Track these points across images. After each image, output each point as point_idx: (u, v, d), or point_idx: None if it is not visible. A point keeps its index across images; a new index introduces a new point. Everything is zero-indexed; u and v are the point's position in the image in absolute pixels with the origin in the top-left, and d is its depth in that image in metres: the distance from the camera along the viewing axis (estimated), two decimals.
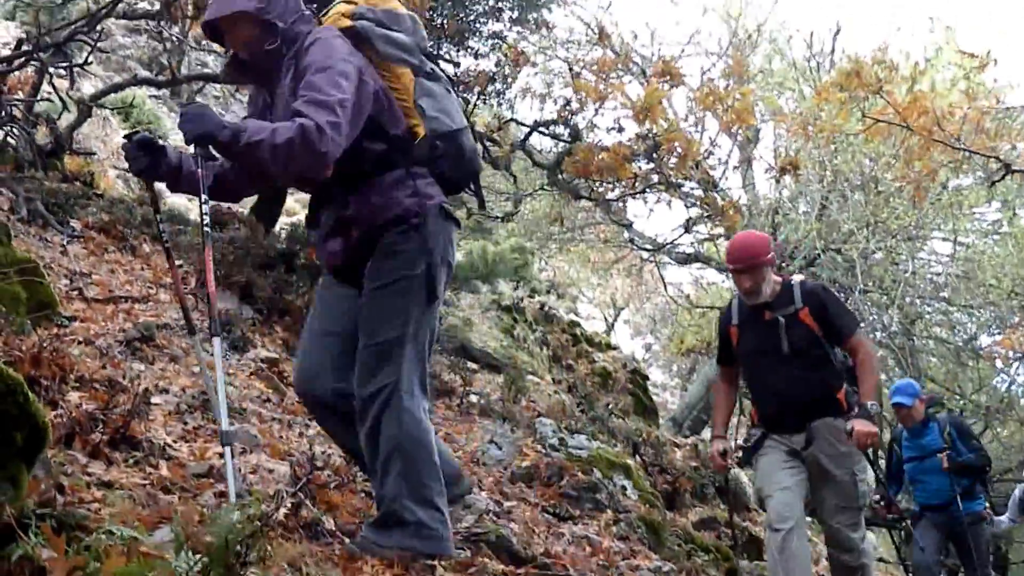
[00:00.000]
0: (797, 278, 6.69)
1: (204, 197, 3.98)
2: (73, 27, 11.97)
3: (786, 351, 6.26)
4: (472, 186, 4.58)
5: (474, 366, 11.66)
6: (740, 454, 7.44)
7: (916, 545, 9.53)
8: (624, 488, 8.35)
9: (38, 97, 12.16)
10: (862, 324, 19.82)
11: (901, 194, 16.81)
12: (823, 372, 6.29)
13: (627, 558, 6.39)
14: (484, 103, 12.94)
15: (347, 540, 3.89)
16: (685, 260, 21.30)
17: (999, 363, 20.69)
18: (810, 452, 6.28)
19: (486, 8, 12.49)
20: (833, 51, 20.52)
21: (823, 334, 6.29)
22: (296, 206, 21.19)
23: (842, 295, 18.36)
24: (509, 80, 13.30)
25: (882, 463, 10.89)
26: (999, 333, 20.09)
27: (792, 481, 6.32)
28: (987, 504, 9.99)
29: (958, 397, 19.39)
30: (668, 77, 13.33)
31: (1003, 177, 12.29)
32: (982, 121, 13.17)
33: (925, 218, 17.53)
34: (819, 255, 17.41)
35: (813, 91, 18.59)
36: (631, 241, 20.56)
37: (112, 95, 14.89)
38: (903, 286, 17.65)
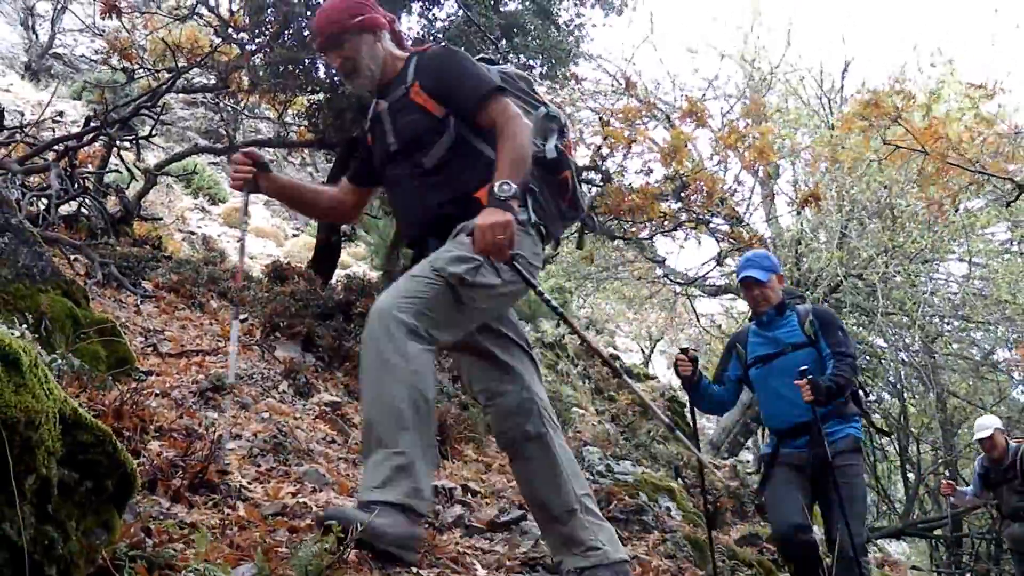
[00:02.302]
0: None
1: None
2: (136, 103, 12.17)
3: (394, 148, 4.15)
4: None
5: None
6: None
7: (771, 502, 6.50)
8: (669, 509, 8.33)
9: (107, 169, 12.36)
10: (884, 346, 19.77)
11: (916, 218, 16.74)
12: (457, 179, 4.00)
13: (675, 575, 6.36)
14: None
15: (414, 569, 3.90)
16: (716, 292, 21.28)
17: (1016, 375, 20.55)
18: None
19: (518, 67, 12.55)
20: (843, 87, 20.50)
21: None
22: (350, 259, 21.32)
23: (865, 318, 18.38)
24: None
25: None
26: (1016, 347, 19.94)
27: None
28: (865, 425, 7.00)
29: (980, 410, 19.21)
30: (694, 117, 13.36)
31: (1017, 198, 12.20)
32: (1000, 145, 13.14)
33: (940, 240, 17.43)
34: (841, 281, 17.34)
35: (826, 126, 18.57)
36: (664, 276, 20.57)
37: (174, 164, 15.08)
38: (922, 306, 17.54)
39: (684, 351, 6.55)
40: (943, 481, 11.53)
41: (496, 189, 3.64)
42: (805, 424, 6.21)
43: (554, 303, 4.07)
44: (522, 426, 4.10)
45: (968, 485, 11.61)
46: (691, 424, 7.68)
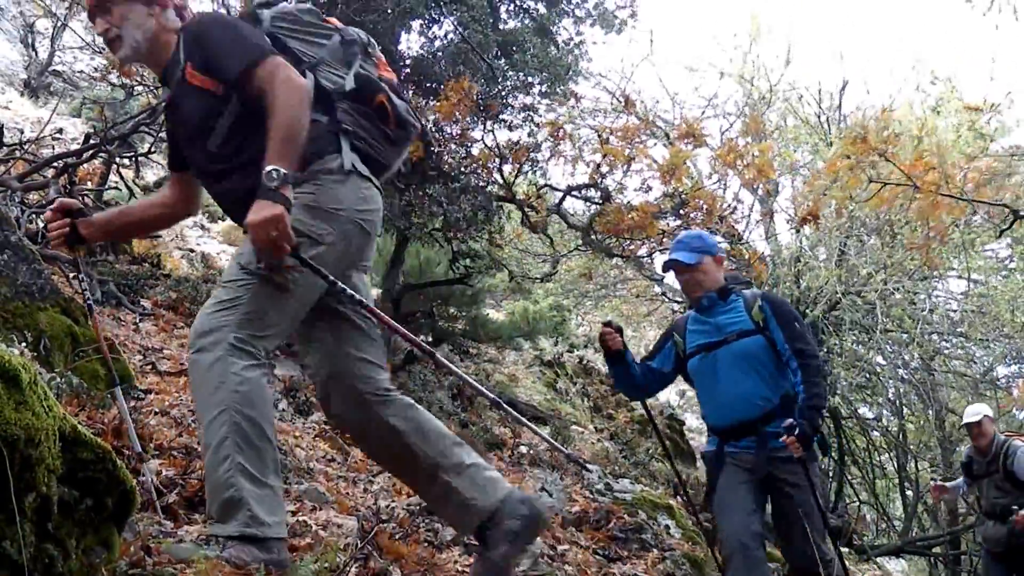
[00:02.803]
0: None
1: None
2: (136, 120, 12.17)
3: (185, 137, 3.90)
4: None
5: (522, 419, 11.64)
6: None
7: (719, 510, 5.62)
8: (668, 527, 8.32)
9: (106, 186, 12.35)
10: (883, 363, 19.77)
11: (915, 237, 16.75)
12: (250, 157, 3.56)
13: None
14: (522, 174, 13.03)
15: None
16: None
17: (1016, 393, 20.54)
18: None
19: (517, 83, 12.60)
20: (840, 105, 20.53)
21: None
22: None
23: (864, 335, 18.38)
24: (548, 152, 13.42)
25: None
26: (1014, 364, 19.98)
27: None
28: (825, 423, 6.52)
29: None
30: (691, 138, 13.38)
31: (1011, 225, 12.18)
32: (994, 171, 13.12)
33: (939, 258, 17.44)
34: (840, 298, 17.34)
35: (825, 143, 18.60)
36: (662, 294, 20.59)
37: None
38: (921, 324, 17.53)
39: (608, 323, 5.76)
40: (932, 484, 11.02)
41: (264, 179, 3.32)
42: (751, 423, 5.45)
43: (350, 291, 3.77)
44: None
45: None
46: (687, 445, 7.52)
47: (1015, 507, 8.78)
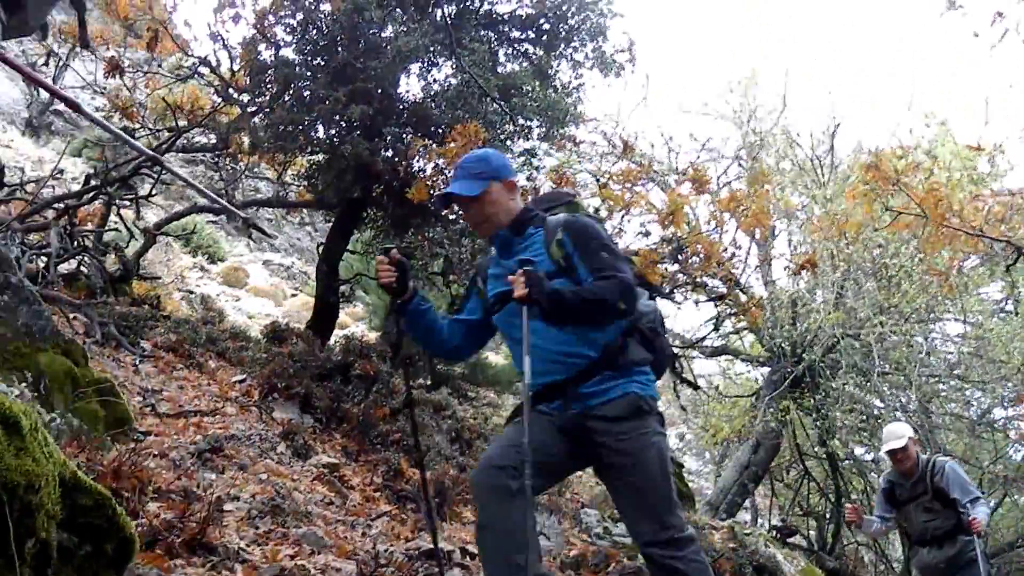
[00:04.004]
0: None
1: None
2: (137, 162, 12.22)
3: None
4: None
5: None
6: (776, 534, 7.15)
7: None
8: None
9: (106, 227, 12.39)
10: (880, 405, 19.72)
11: (912, 278, 16.77)
12: None
13: None
14: None
15: None
16: (713, 353, 21.28)
17: (1013, 434, 20.51)
18: None
19: (516, 128, 12.65)
20: (832, 148, 20.57)
21: None
22: (348, 319, 21.32)
23: (861, 378, 18.36)
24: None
25: None
26: (1012, 406, 19.95)
27: None
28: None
29: (978, 469, 19.19)
30: (695, 185, 13.44)
31: (1015, 261, 12.18)
32: (1004, 214, 13.15)
33: (935, 300, 17.46)
34: (838, 341, 17.34)
35: (817, 187, 18.64)
36: None
37: (174, 223, 15.15)
38: (919, 366, 17.53)
39: (387, 250, 4.45)
40: (848, 505, 10.13)
41: None
42: (561, 384, 4.26)
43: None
44: None
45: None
46: (687, 487, 7.29)
47: (955, 525, 8.37)
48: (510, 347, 4.59)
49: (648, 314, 4.48)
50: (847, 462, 20.47)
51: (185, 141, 13.71)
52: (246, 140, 12.73)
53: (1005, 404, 20.32)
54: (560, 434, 4.28)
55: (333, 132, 12.09)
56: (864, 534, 10.20)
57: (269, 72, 12.02)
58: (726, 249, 14.29)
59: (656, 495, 4.15)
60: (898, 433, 8.56)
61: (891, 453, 8.51)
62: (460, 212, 4.95)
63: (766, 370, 20.17)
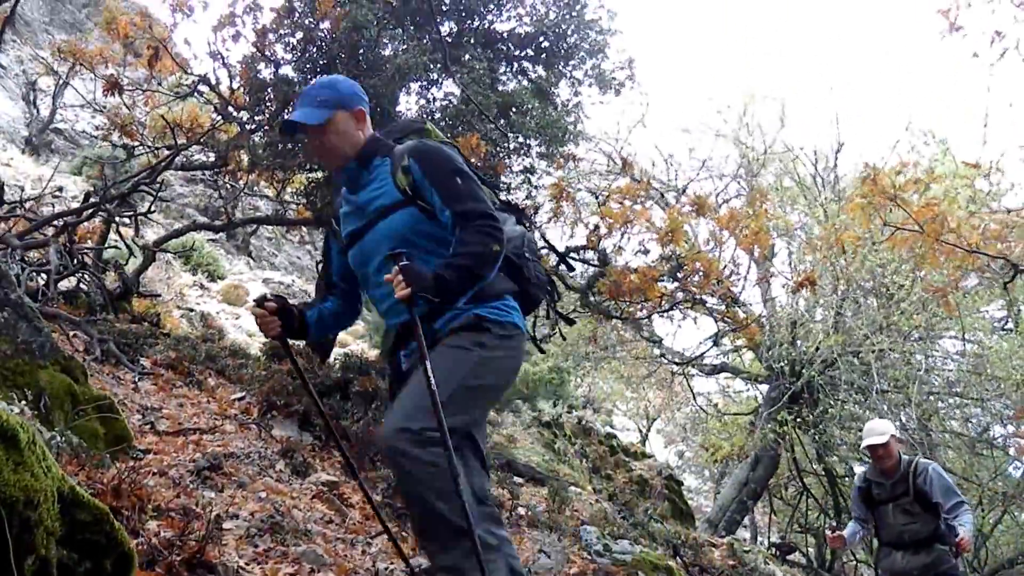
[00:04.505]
0: None
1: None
2: (136, 179, 12.23)
3: None
4: None
5: (520, 480, 11.62)
6: (775, 551, 7.08)
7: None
8: None
9: (106, 245, 12.39)
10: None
11: (911, 296, 16.78)
12: None
13: None
14: None
15: None
16: (712, 371, 21.31)
17: (1012, 451, 20.49)
18: None
19: (516, 145, 12.65)
20: (836, 166, 20.65)
21: None
22: (348, 338, 21.31)
23: (860, 396, 18.34)
24: (548, 214, 13.49)
25: None
26: (1011, 423, 19.93)
27: None
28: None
29: (977, 486, 19.15)
30: (696, 208, 13.46)
31: (1013, 278, 12.16)
32: (1001, 232, 13.15)
33: (934, 318, 17.46)
34: (837, 359, 17.35)
35: (820, 205, 18.68)
36: (661, 356, 20.61)
37: (173, 240, 15.14)
38: (918, 384, 17.52)
39: (260, 302, 4.13)
40: (828, 534, 9.62)
41: None
42: (412, 324, 3.71)
43: None
44: None
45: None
46: (686, 505, 7.27)
47: (939, 534, 8.13)
48: (362, 285, 4.26)
49: (513, 239, 4.16)
50: (846, 479, 20.46)
51: (184, 159, 13.70)
52: (245, 158, 12.73)
53: (1004, 421, 20.31)
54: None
55: None
56: (851, 548, 9.99)
57: (268, 90, 12.03)
58: (725, 267, 14.30)
59: (451, 386, 3.61)
60: (879, 429, 8.22)
61: (871, 449, 8.15)
62: (309, 145, 4.42)
63: (765, 387, 20.20)
